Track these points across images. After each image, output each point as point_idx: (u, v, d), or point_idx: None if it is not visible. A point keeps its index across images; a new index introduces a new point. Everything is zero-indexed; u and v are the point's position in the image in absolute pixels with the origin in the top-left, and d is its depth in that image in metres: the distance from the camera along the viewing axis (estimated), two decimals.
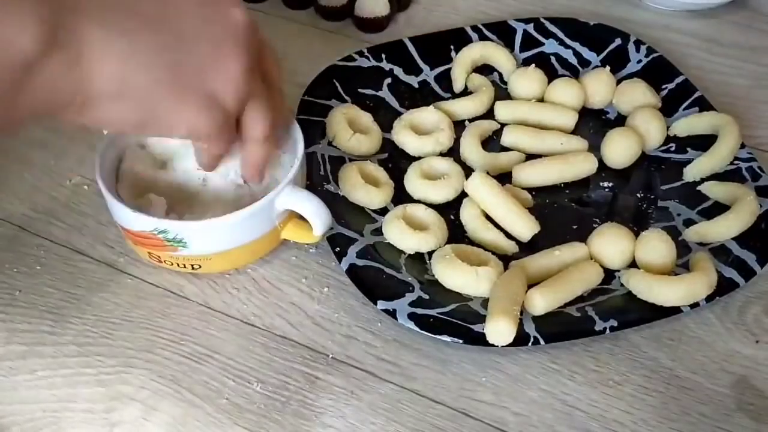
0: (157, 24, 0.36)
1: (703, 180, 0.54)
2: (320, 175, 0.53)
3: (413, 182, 0.53)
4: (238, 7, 0.39)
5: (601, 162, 0.56)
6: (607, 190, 0.56)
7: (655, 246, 0.48)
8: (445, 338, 0.44)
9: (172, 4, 0.37)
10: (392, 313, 0.45)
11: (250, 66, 0.40)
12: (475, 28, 0.65)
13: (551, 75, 0.62)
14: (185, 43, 0.37)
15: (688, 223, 0.52)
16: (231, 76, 0.38)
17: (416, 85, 0.63)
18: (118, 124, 0.38)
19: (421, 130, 0.57)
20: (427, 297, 0.47)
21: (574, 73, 0.64)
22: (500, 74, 0.64)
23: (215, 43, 0.38)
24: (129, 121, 0.37)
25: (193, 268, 0.48)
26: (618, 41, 0.64)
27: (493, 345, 0.43)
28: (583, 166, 0.55)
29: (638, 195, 0.55)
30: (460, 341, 0.44)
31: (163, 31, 0.36)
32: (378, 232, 0.51)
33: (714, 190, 0.53)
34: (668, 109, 0.59)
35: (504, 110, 0.59)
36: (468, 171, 0.54)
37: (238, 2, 0.40)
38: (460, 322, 0.45)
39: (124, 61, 0.35)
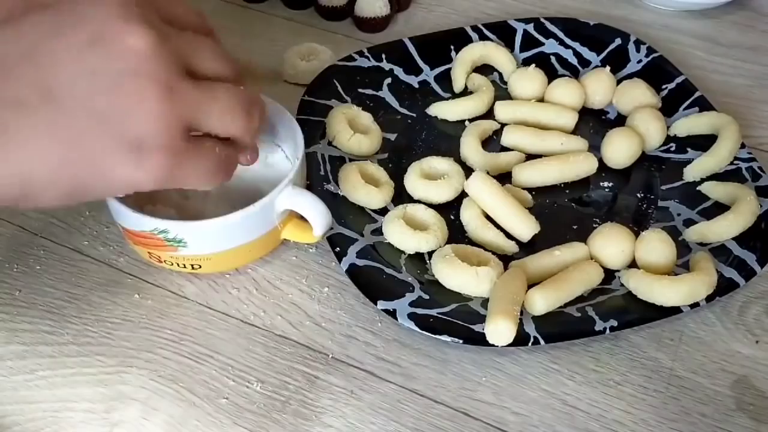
0: (38, 101, 0.32)
1: (703, 180, 0.54)
2: (320, 175, 0.53)
3: (413, 182, 0.53)
4: (129, 33, 0.33)
5: (601, 162, 0.56)
6: (607, 190, 0.56)
7: (655, 246, 0.48)
8: (445, 338, 0.44)
9: (50, 66, 0.32)
10: (392, 313, 0.45)
11: (166, 85, 0.33)
12: (475, 28, 0.65)
13: (551, 75, 0.62)
14: (80, 106, 0.32)
15: (688, 223, 0.52)
16: (148, 116, 0.33)
17: (416, 85, 0.63)
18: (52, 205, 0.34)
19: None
20: (427, 297, 0.47)
21: (574, 73, 0.64)
22: (500, 74, 0.64)
23: (114, 89, 0.33)
24: (58, 201, 0.34)
25: (193, 268, 0.48)
26: (618, 41, 0.64)
27: (493, 345, 0.43)
28: (583, 166, 0.55)
29: (638, 195, 0.55)
30: (460, 341, 0.44)
31: (48, 105, 0.32)
32: (378, 232, 0.51)
33: (714, 190, 0.53)
34: (668, 109, 0.59)
35: (504, 110, 0.59)
36: (468, 171, 0.54)
37: (128, 26, 0.33)
38: (460, 322, 0.45)
39: (19, 162, 0.32)
